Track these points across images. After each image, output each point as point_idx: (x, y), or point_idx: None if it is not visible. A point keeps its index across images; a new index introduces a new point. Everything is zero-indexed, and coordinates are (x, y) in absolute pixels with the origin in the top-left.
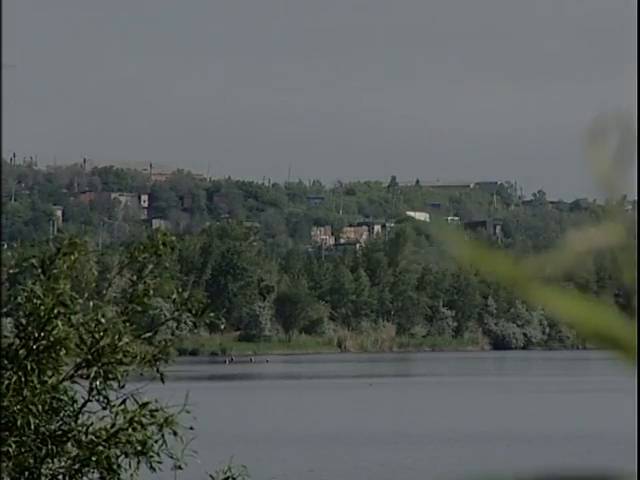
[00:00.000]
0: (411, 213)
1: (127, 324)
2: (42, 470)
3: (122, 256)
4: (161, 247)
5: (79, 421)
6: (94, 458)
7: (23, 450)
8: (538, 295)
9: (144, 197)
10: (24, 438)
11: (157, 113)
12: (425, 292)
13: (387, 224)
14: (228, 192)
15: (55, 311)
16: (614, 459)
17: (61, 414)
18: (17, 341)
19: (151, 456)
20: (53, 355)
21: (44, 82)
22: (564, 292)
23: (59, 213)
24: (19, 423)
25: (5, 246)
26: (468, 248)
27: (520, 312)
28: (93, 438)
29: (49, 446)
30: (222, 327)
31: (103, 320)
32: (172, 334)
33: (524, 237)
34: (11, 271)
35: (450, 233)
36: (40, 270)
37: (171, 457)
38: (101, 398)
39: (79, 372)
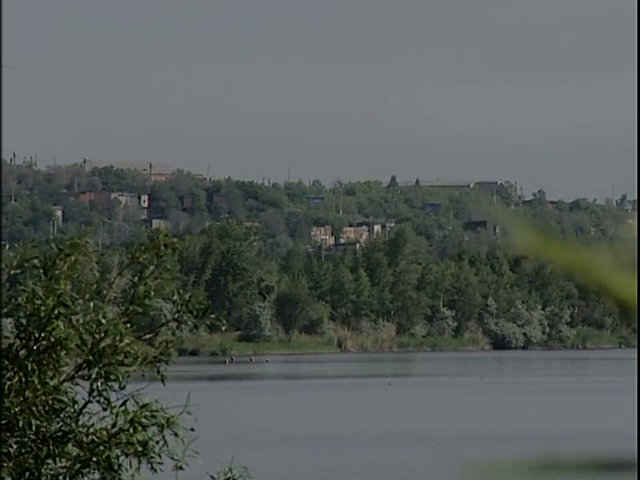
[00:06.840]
0: None
1: (128, 325)
2: (43, 471)
3: (122, 256)
4: (162, 249)
5: (80, 422)
6: (95, 459)
7: (24, 451)
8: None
9: (144, 197)
10: (25, 439)
11: (157, 113)
12: (425, 292)
13: (387, 224)
14: (228, 192)
15: (56, 311)
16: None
17: (62, 415)
18: (17, 342)
19: (152, 457)
20: (54, 356)
21: (44, 82)
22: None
23: (59, 213)
24: (20, 424)
25: (7, 247)
26: (534, 237)
27: (520, 312)
28: (94, 439)
29: (50, 447)
30: (223, 329)
31: (104, 321)
32: (173, 334)
33: None
34: (12, 272)
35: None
36: (42, 271)
37: (172, 459)
38: (102, 399)
39: (80, 373)
